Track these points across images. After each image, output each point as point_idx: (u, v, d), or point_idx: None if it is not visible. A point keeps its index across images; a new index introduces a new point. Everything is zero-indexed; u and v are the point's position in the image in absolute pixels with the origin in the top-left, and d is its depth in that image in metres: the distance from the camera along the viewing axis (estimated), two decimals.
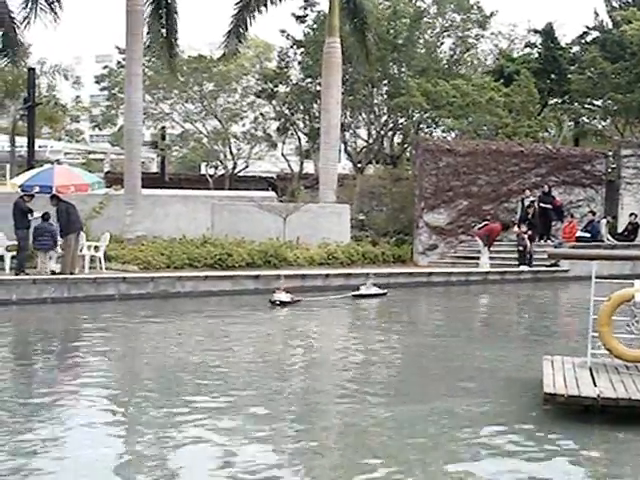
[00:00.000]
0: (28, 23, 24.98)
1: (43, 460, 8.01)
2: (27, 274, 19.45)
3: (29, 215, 19.75)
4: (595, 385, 9.84)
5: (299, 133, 42.96)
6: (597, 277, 10.72)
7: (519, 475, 7.85)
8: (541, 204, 27.58)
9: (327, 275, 22.40)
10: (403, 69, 37.50)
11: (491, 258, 25.69)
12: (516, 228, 26.54)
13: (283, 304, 18.57)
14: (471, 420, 9.63)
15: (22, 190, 20.38)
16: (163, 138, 46.51)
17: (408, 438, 8.87)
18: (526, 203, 27.40)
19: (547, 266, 25.77)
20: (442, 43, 39.82)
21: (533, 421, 9.50)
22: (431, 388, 11.35)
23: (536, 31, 41.37)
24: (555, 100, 40.16)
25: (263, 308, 18.65)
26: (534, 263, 25.78)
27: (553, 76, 38.70)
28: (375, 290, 20.77)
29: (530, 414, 9.77)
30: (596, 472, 8.19)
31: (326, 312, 18.92)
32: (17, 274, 19.39)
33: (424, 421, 9.52)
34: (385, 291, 21.04)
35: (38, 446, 8.40)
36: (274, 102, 41.46)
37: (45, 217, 19.84)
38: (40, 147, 40.49)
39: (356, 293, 20.53)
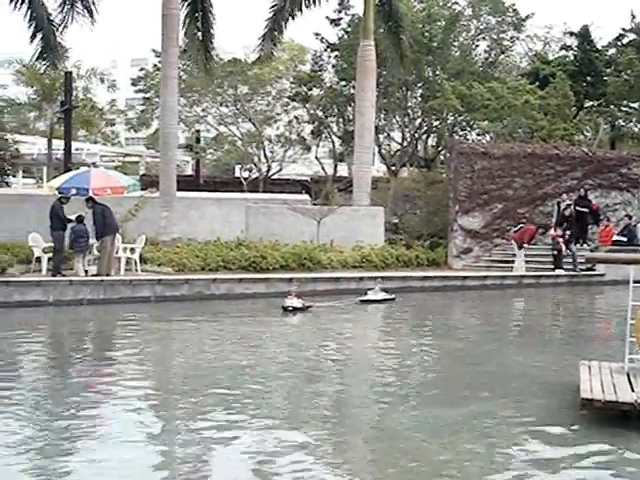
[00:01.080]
0: (65, 26, 25.17)
1: (78, 461, 8.07)
2: (64, 275, 19.65)
3: (65, 220, 19.98)
4: (633, 390, 9.73)
5: (333, 136, 42.98)
6: (634, 281, 10.60)
7: None
8: (577, 208, 27.32)
9: (361, 278, 22.36)
10: (438, 72, 37.37)
11: (526, 262, 25.53)
12: (552, 231, 26.36)
13: (295, 310, 18.13)
14: (507, 425, 9.57)
15: (59, 192, 20.60)
16: (198, 141, 46.72)
17: (445, 442, 8.83)
18: (562, 207, 27.17)
19: (583, 270, 25.56)
20: (477, 46, 39.68)
21: (570, 426, 9.41)
22: (466, 392, 11.27)
23: (572, 33, 41.07)
24: (591, 103, 39.82)
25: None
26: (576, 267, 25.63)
27: (589, 79, 38.42)
28: (383, 295, 20.27)
29: (567, 419, 9.67)
30: (634, 478, 8.09)
31: (347, 316, 18.70)
32: (54, 275, 19.60)
33: (460, 425, 9.47)
34: (394, 296, 20.47)
35: (73, 446, 8.49)
36: (308, 105, 41.52)
37: (79, 219, 20.04)
38: (76, 150, 40.83)
39: (364, 298, 20.06)
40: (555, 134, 33.10)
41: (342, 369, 13.27)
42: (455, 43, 38.47)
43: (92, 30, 25.83)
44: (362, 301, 19.95)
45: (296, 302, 18.19)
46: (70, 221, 20.12)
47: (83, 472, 7.75)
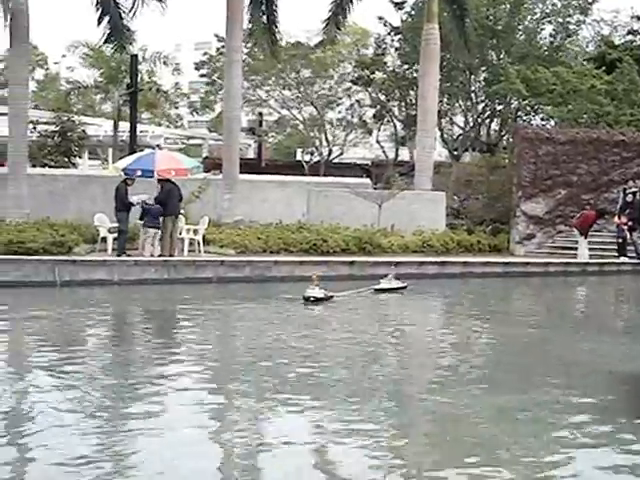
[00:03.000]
0: (135, 11, 25.48)
1: (139, 439, 8.24)
2: (128, 255, 19.99)
3: (128, 202, 20.30)
4: None
5: (395, 120, 42.85)
6: None
7: (619, 469, 7.71)
8: None
9: (422, 263, 22.32)
10: (502, 56, 37.00)
11: (590, 249, 25.16)
12: (616, 219, 25.93)
13: (317, 300, 16.89)
14: (570, 412, 9.47)
15: (125, 174, 20.93)
16: (260, 124, 46.99)
17: (506, 428, 8.80)
18: (628, 194, 26.65)
19: None
20: (542, 29, 39.11)
21: (634, 416, 9.33)
22: (528, 379, 11.21)
23: (639, 18, 40.22)
24: None
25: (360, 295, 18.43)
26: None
27: None
28: (396, 283, 19.27)
29: (631, 408, 9.59)
30: None
31: (396, 302, 18.46)
32: (118, 255, 19.93)
33: (521, 412, 9.41)
34: (405, 284, 19.24)
35: (135, 425, 8.65)
36: (370, 89, 41.44)
37: (157, 201, 20.38)
38: (141, 132, 41.36)
39: (377, 287, 18.78)
40: (621, 120, 32.46)
41: (401, 354, 13.28)
42: (520, 26, 38.01)
43: (163, 14, 26.11)
44: (376, 290, 18.76)
45: (318, 292, 17.00)
46: (132, 204, 20.42)
47: (141, 450, 7.92)
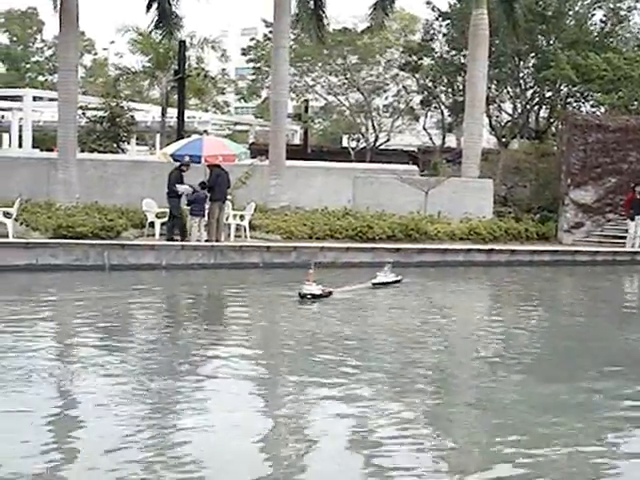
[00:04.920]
0: None
1: (183, 419, 8.31)
2: (176, 240, 20.15)
3: (182, 195, 20.40)
4: None
5: (442, 106, 42.58)
6: None
7: None
8: None
9: (469, 250, 22.21)
10: (552, 41, 36.51)
11: None
12: None
13: (314, 297, 15.54)
14: (616, 403, 9.38)
15: (174, 159, 21.08)
16: (306, 110, 46.97)
17: (551, 417, 8.73)
18: None
19: None
20: (593, 15, 38.48)
21: None
22: (573, 368, 11.10)
23: None
24: None
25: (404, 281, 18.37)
26: None
27: None
28: (393, 277, 17.99)
29: None
30: None
31: (431, 290, 18.38)
32: (168, 240, 20.11)
33: (567, 401, 9.36)
34: (400, 277, 18.13)
35: (180, 410, 8.71)
36: (417, 75, 41.19)
37: (202, 186, 20.50)
38: (189, 118, 41.57)
39: (376, 281, 17.63)
40: None
41: (445, 341, 13.21)
42: (570, 12, 37.46)
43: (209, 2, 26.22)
44: (374, 284, 17.61)
45: (315, 288, 15.66)
46: (180, 195, 20.48)
47: (185, 430, 7.97)
